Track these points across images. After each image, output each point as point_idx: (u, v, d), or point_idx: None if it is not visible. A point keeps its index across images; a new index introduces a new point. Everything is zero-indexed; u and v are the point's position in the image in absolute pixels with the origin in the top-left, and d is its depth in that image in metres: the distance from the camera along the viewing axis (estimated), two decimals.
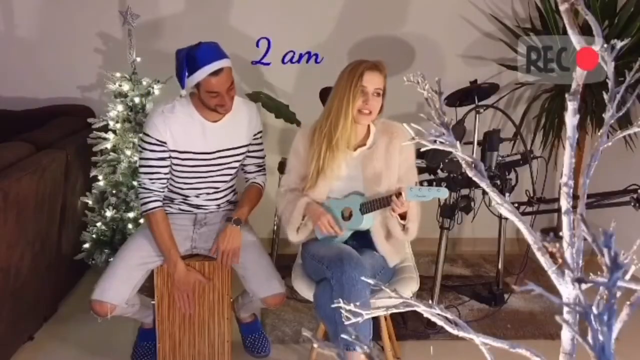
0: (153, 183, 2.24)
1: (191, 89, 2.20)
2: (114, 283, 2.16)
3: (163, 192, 2.29)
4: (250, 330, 2.52)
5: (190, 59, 2.08)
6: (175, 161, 2.25)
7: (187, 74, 2.09)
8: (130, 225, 2.75)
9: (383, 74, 2.14)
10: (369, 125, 2.23)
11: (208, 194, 2.36)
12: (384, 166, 2.18)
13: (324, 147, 2.15)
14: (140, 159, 2.27)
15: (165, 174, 2.26)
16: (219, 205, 2.41)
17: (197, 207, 2.39)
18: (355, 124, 2.15)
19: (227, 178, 2.36)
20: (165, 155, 2.22)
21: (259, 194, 2.41)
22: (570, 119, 0.79)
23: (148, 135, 2.20)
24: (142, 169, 2.26)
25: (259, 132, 2.37)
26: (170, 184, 2.34)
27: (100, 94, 3.38)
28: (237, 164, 2.35)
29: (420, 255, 3.31)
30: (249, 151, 2.37)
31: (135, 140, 2.80)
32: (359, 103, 2.10)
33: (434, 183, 2.74)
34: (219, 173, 2.32)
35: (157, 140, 2.19)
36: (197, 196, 2.35)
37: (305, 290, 2.19)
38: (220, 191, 2.38)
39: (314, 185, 2.18)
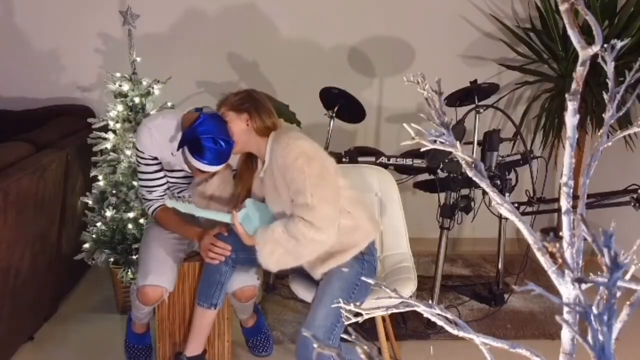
0: (150, 193, 2.29)
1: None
2: (165, 268, 2.15)
3: (163, 195, 2.31)
4: (252, 333, 2.51)
5: (195, 142, 1.96)
6: (168, 173, 2.29)
7: (185, 147, 2.00)
8: (130, 225, 2.74)
9: (221, 105, 2.06)
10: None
11: None
12: (274, 191, 2.05)
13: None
14: (138, 171, 2.31)
15: (163, 183, 2.29)
16: None
17: None
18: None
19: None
20: (159, 167, 2.26)
21: None
22: (570, 119, 0.79)
23: (140, 151, 2.22)
24: (140, 182, 2.31)
25: None
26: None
27: (100, 94, 3.38)
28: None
29: (420, 255, 3.31)
30: None
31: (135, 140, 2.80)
32: None
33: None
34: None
35: (150, 156, 2.22)
36: None
37: (303, 291, 2.19)
38: None
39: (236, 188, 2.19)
